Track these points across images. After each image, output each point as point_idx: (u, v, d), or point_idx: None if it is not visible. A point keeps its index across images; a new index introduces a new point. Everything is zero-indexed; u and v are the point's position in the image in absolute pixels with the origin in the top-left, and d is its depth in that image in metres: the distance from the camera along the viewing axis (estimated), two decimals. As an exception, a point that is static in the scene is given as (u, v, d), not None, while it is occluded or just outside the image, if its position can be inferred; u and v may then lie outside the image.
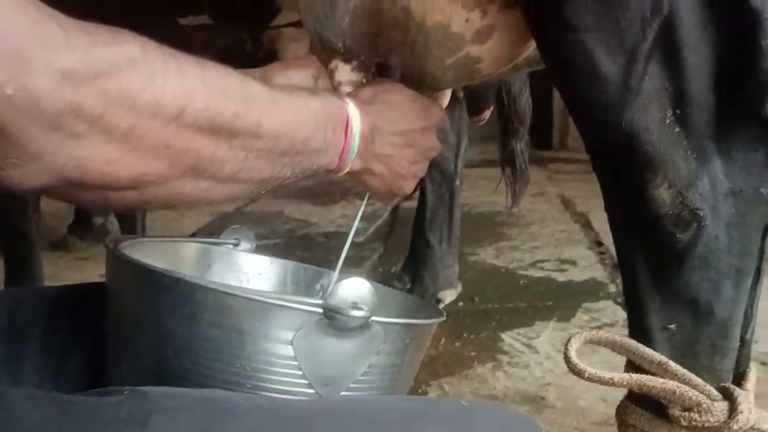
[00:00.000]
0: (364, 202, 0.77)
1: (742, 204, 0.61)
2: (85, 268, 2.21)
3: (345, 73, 0.80)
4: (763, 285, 1.74)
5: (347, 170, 0.62)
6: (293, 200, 3.02)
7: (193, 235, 2.67)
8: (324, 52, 0.80)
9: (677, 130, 0.61)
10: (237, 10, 1.16)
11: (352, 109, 0.61)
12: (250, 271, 0.82)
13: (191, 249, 0.81)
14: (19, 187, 0.43)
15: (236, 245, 0.83)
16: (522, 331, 1.61)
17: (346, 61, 0.80)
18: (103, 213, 2.45)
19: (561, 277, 2.01)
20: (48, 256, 1.95)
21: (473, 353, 1.49)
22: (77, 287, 0.74)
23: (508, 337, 1.57)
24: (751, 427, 0.60)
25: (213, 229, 2.76)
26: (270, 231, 2.61)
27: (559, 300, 1.81)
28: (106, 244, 0.64)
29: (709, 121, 0.60)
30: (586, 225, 2.56)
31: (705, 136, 0.60)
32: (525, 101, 1.46)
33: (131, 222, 1.86)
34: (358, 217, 0.77)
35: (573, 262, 2.13)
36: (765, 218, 0.62)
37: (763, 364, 1.40)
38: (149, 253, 0.68)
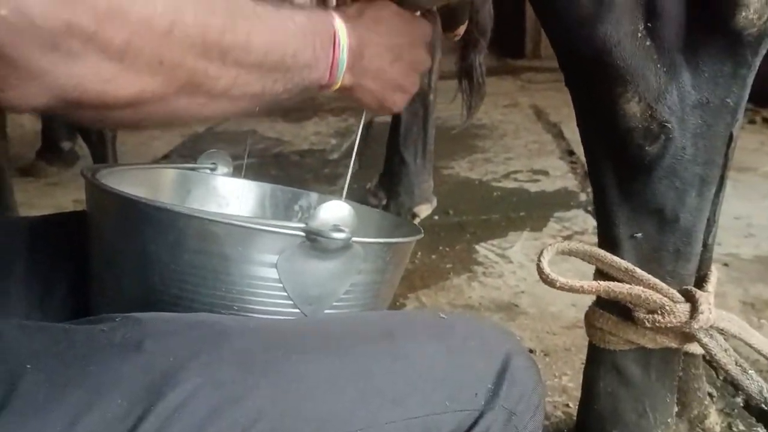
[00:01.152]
0: (361, 121, 0.77)
1: (708, 115, 0.62)
2: (56, 194, 2.18)
3: None
4: (727, 189, 1.80)
5: (339, 85, 0.62)
6: (265, 118, 2.98)
7: (164, 157, 2.64)
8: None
9: (648, 43, 0.61)
10: None
11: (339, 24, 0.60)
12: (228, 194, 0.83)
13: (169, 175, 0.81)
14: (18, 108, 0.43)
15: (213, 169, 0.83)
16: (496, 242, 1.65)
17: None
18: (71, 137, 2.40)
19: (534, 188, 2.04)
20: (18, 182, 1.91)
21: (449, 265, 1.53)
22: (57, 216, 0.74)
23: (482, 249, 1.62)
24: (711, 326, 0.64)
25: (184, 151, 2.72)
26: (242, 150, 2.59)
27: (531, 210, 1.85)
28: (84, 174, 0.64)
29: (679, 34, 0.61)
30: (558, 135, 2.58)
31: (675, 49, 0.61)
32: (487, 12, 1.44)
33: (101, 146, 1.83)
34: (358, 137, 0.77)
35: (545, 173, 2.17)
36: (729, 127, 0.64)
37: (725, 265, 1.46)
38: (127, 181, 0.68)
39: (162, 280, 0.56)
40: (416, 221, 1.71)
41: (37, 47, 0.40)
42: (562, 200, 1.91)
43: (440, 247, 1.62)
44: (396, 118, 1.72)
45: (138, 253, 0.58)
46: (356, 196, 1.88)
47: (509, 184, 2.09)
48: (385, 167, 1.79)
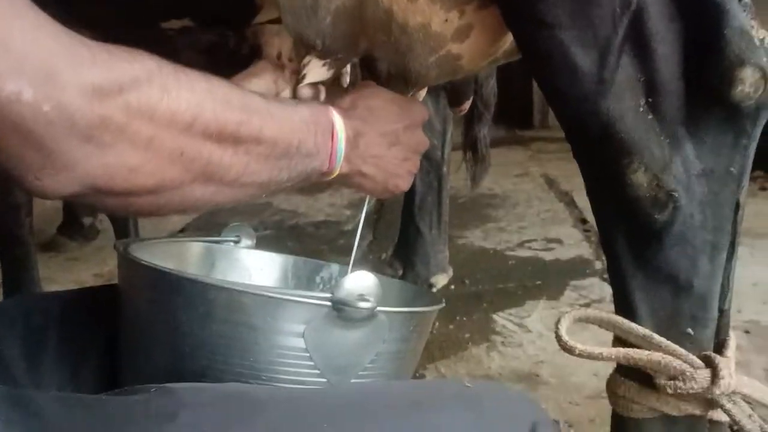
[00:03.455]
0: (365, 203, 0.80)
1: (713, 183, 0.65)
2: (77, 269, 2.22)
3: (315, 67, 0.83)
4: (744, 256, 1.80)
5: (337, 173, 0.66)
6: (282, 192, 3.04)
7: (182, 230, 2.69)
8: (300, 48, 0.83)
9: (650, 117, 0.65)
10: (218, 12, 1.18)
11: (336, 116, 0.65)
12: (252, 267, 0.86)
13: (195, 248, 0.84)
14: (51, 195, 0.47)
15: (237, 242, 0.86)
16: (513, 311, 1.65)
17: (321, 58, 0.83)
18: (92, 212, 2.46)
19: (548, 256, 2.06)
20: (39, 257, 1.96)
21: (467, 335, 1.54)
22: (88, 290, 0.77)
23: (500, 318, 1.62)
24: (733, 391, 0.65)
25: (201, 225, 2.77)
26: (259, 223, 2.64)
27: (547, 279, 1.86)
28: (117, 248, 0.67)
29: (680, 108, 0.64)
30: (571, 203, 2.61)
31: (676, 122, 0.64)
32: (491, 88, 1.50)
33: (123, 221, 1.88)
34: (362, 219, 0.80)
35: (559, 241, 2.18)
36: (735, 194, 0.66)
37: (747, 332, 1.46)
38: (156, 255, 0.71)
39: (192, 350, 0.58)
40: (433, 291, 1.72)
41: (73, 139, 0.44)
42: (578, 268, 1.92)
43: (458, 317, 1.63)
44: (411, 188, 1.75)
45: (169, 324, 0.60)
46: (372, 267, 1.90)
47: (524, 253, 2.10)
48: (400, 238, 1.82)
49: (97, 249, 2.39)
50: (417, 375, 1.35)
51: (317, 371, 0.57)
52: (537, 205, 2.66)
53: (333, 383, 0.58)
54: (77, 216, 2.44)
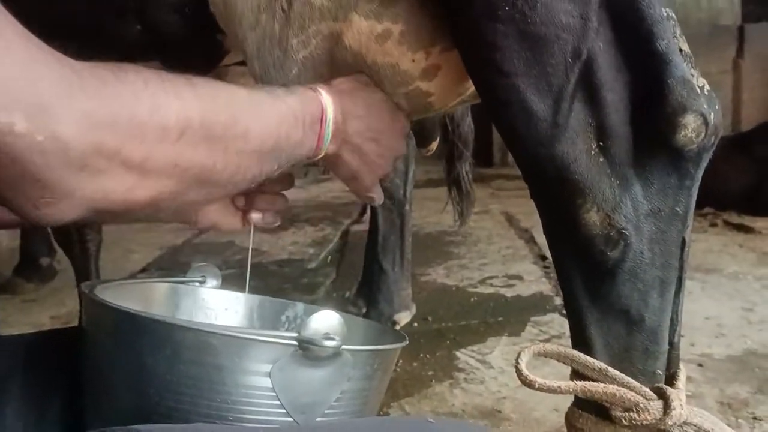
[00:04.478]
0: (251, 233, 0.81)
1: (661, 222, 0.69)
2: (33, 311, 2.17)
3: None
4: (696, 291, 1.86)
5: (323, 154, 0.68)
6: (243, 230, 3.03)
7: (143, 269, 2.66)
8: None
9: (602, 160, 0.68)
10: (188, 56, 1.20)
11: (326, 98, 0.67)
12: (217, 307, 0.86)
13: (159, 289, 0.84)
14: (53, 222, 0.48)
15: (202, 282, 0.87)
16: (476, 347, 1.67)
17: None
18: (50, 253, 2.41)
19: (509, 293, 2.09)
20: (-6, 300, 1.92)
21: (430, 372, 1.55)
22: (51, 332, 0.76)
23: (462, 354, 1.63)
24: (684, 422, 0.67)
25: (163, 263, 2.74)
26: (222, 262, 2.62)
27: (509, 315, 1.89)
28: (82, 290, 0.67)
29: (628, 151, 0.68)
30: (530, 240, 2.67)
31: (625, 164, 0.68)
32: (467, 126, 1.55)
33: (84, 261, 1.85)
34: (251, 240, 0.82)
35: (520, 278, 2.22)
36: (681, 232, 0.69)
37: (700, 365, 1.50)
38: (122, 296, 0.71)
39: (158, 391, 0.58)
40: (396, 328, 1.73)
41: (68, 168, 0.45)
42: (538, 304, 1.96)
43: (421, 354, 1.64)
44: (374, 227, 1.78)
45: (134, 366, 0.60)
46: (336, 305, 1.91)
47: (486, 290, 2.13)
48: (363, 276, 1.83)
49: (54, 290, 2.34)
50: (382, 413, 1.36)
51: (283, 410, 0.58)
52: (498, 242, 2.72)
53: (299, 422, 0.58)
54: (34, 257, 2.39)
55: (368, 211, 1.84)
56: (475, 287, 2.17)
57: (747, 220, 2.76)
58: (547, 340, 1.69)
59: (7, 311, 2.12)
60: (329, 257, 2.65)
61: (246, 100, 0.59)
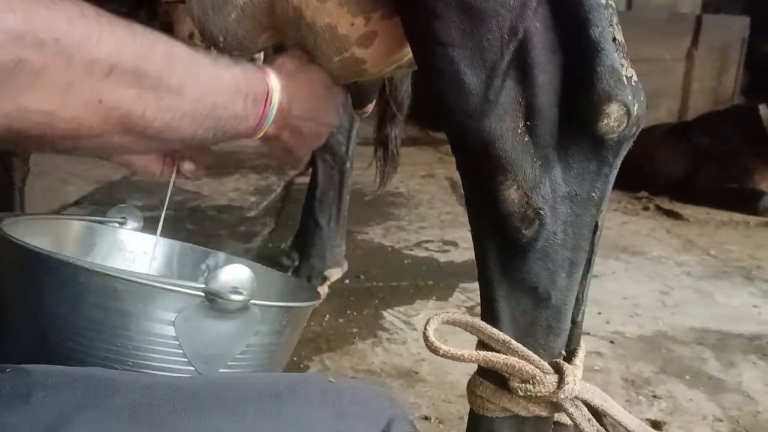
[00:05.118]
0: (171, 181, 0.80)
1: (576, 206, 0.71)
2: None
3: None
4: (619, 271, 1.92)
5: (261, 135, 0.67)
6: (159, 175, 2.96)
7: (75, 203, 2.58)
8: (203, 42, 0.83)
9: (526, 139, 0.69)
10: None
11: (274, 81, 0.65)
12: (135, 250, 0.85)
13: (75, 227, 0.83)
14: None
15: (122, 223, 0.85)
16: (403, 309, 1.70)
17: (221, 52, 0.83)
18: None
19: (443, 258, 2.13)
20: None
21: (355, 330, 1.57)
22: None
23: (389, 315, 1.66)
24: (576, 397, 0.71)
25: (97, 198, 2.67)
26: (159, 202, 2.57)
27: (439, 280, 1.92)
28: None
29: (553, 134, 0.69)
30: (468, 208, 2.70)
31: (549, 146, 0.69)
32: (405, 90, 1.53)
33: (8, 190, 1.78)
34: (168, 193, 0.81)
35: (455, 244, 2.26)
36: (595, 217, 0.72)
37: (611, 342, 1.57)
38: (32, 231, 0.70)
39: (58, 332, 0.58)
40: (327, 284, 1.75)
41: None
42: (469, 271, 2.00)
43: (348, 311, 1.66)
44: (313, 182, 1.77)
45: (35, 305, 0.59)
46: (270, 256, 1.90)
47: (420, 253, 2.16)
48: (299, 229, 1.83)
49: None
50: (301, 367, 1.38)
51: (185, 360, 0.58)
52: (439, 207, 2.74)
53: (201, 372, 0.59)
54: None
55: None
56: (411, 250, 2.19)
57: (677, 207, 2.86)
58: (472, 308, 1.73)
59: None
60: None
61: (187, 58, 0.58)
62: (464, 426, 1.18)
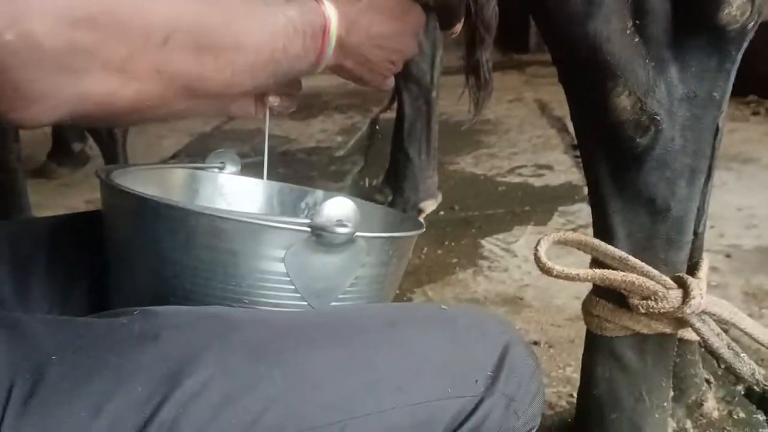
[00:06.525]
0: (266, 118, 0.78)
1: (696, 108, 0.65)
2: (68, 195, 2.22)
3: None
4: (731, 181, 1.81)
5: (322, 68, 0.65)
6: (272, 116, 3.00)
7: (173, 156, 2.68)
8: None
9: (636, 40, 0.64)
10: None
11: (331, 12, 0.63)
12: (236, 193, 0.86)
13: (178, 174, 0.84)
14: (31, 126, 0.46)
15: (222, 168, 0.86)
16: (501, 236, 1.67)
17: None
18: (81, 139, 2.44)
19: (538, 182, 2.06)
20: (30, 184, 1.95)
21: (455, 260, 1.56)
22: (74, 216, 0.77)
23: (487, 243, 1.64)
24: (702, 311, 0.67)
25: (192, 150, 2.76)
26: (250, 149, 2.62)
27: (536, 204, 1.87)
28: (98, 175, 0.67)
29: (666, 31, 0.63)
30: (563, 129, 2.60)
31: (662, 45, 0.63)
32: (492, 9, 1.46)
33: (112, 147, 1.87)
34: (266, 131, 0.79)
35: (550, 167, 2.18)
36: (716, 119, 0.66)
37: (727, 256, 1.48)
38: (139, 181, 0.71)
39: (175, 275, 0.59)
40: (422, 217, 1.74)
41: (42, 69, 0.42)
42: (566, 194, 1.93)
43: (446, 242, 1.65)
44: (400, 114, 1.74)
45: (151, 250, 0.60)
46: (362, 193, 1.91)
47: (514, 179, 2.11)
48: (390, 164, 1.82)
49: (87, 175, 2.38)
50: (404, 299, 1.39)
51: (298, 295, 0.58)
52: (529, 131, 2.65)
53: (313, 306, 0.59)
54: (67, 142, 2.42)
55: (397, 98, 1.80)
56: (504, 177, 2.14)
57: (792, 110, 2.64)
58: (573, 230, 1.67)
59: (42, 195, 2.17)
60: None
61: (241, 7, 0.55)
62: (575, 349, 1.16)
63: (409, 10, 0.73)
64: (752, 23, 0.63)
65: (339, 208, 0.57)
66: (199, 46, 0.50)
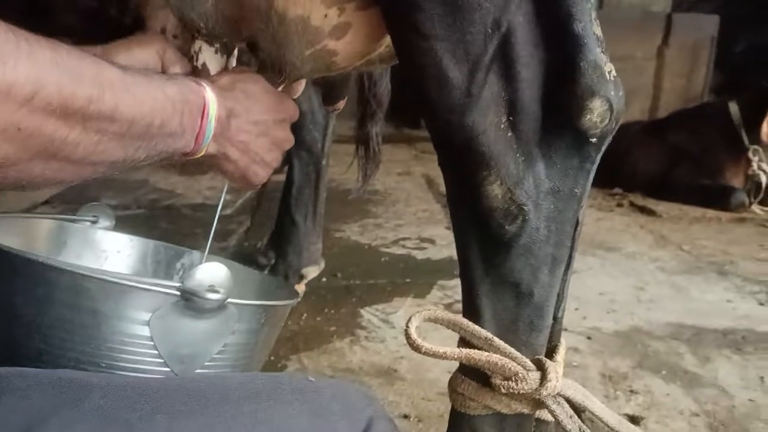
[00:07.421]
0: (224, 189, 0.79)
1: (559, 201, 0.70)
2: None
3: (209, 55, 0.81)
4: (596, 267, 1.93)
5: (202, 153, 0.64)
6: (159, 169, 2.92)
7: (46, 202, 2.52)
8: (185, 32, 0.80)
9: (509, 134, 0.69)
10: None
11: (210, 94, 0.63)
12: (108, 249, 0.82)
13: (46, 225, 0.80)
14: None
15: (94, 222, 0.83)
16: (381, 306, 1.69)
17: (209, 43, 0.81)
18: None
19: (420, 255, 2.12)
20: None
21: (333, 328, 1.56)
22: None
23: (367, 313, 1.65)
24: (558, 393, 0.70)
25: (70, 198, 2.62)
26: (133, 201, 2.52)
27: (417, 277, 1.92)
28: None
29: (536, 129, 0.69)
30: (447, 205, 2.70)
31: (532, 142, 0.69)
32: (384, 87, 1.52)
33: (-25, 188, 1.74)
34: (220, 204, 0.79)
35: (432, 241, 2.26)
36: (576, 213, 0.71)
37: (588, 338, 1.58)
38: (1, 230, 0.67)
39: (28, 333, 0.56)
40: (304, 282, 1.73)
41: None
42: (447, 268, 1.99)
43: (326, 310, 1.64)
44: (289, 179, 1.75)
45: (4, 305, 0.57)
46: (247, 254, 1.88)
47: (397, 251, 2.16)
48: (275, 227, 1.81)
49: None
50: (279, 366, 1.36)
51: (161, 360, 0.57)
52: (415, 204, 2.74)
53: (177, 373, 0.57)
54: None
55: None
56: (388, 247, 2.18)
57: (651, 203, 2.89)
58: (450, 305, 1.73)
59: None
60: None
61: (118, 77, 0.54)
62: (444, 424, 1.17)
63: (283, 101, 0.75)
64: (611, 129, 0.70)
65: (212, 273, 0.56)
66: (66, 110, 0.49)
